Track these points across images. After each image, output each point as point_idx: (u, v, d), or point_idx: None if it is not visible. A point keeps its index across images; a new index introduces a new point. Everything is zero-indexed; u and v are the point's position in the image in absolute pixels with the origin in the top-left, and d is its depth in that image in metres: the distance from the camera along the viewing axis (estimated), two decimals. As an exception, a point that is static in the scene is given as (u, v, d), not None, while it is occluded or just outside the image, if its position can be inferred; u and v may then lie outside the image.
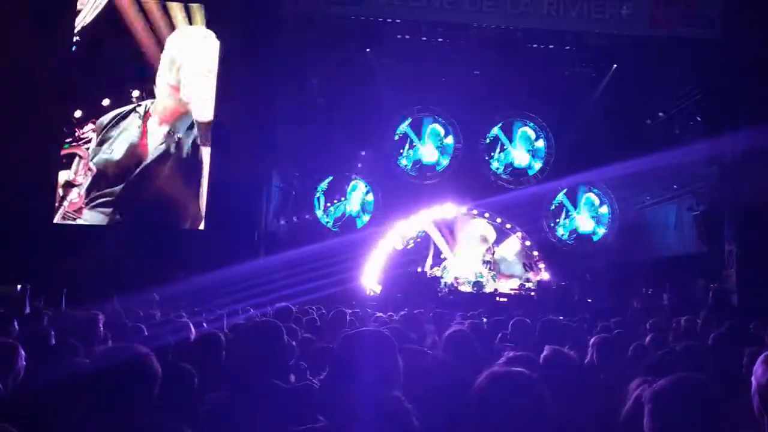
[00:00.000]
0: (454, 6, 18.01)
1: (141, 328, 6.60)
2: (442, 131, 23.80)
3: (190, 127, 19.09)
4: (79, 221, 18.71)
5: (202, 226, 18.89)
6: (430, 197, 22.70)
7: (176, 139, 19.00)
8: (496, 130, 23.90)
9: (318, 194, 23.23)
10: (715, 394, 2.58)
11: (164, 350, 5.56)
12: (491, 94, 22.31)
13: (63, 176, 18.86)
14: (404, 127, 23.76)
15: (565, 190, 23.58)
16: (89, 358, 4.30)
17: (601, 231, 23.58)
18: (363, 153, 23.21)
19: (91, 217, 18.78)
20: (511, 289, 21.58)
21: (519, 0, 17.88)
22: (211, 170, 18.91)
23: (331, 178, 23.34)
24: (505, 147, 23.94)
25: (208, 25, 19.20)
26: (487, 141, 23.92)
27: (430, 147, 23.82)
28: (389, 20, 18.91)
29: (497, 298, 20.23)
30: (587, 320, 10.75)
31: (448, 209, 22.69)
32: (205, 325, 7.71)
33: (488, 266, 22.42)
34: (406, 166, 23.76)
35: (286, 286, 14.45)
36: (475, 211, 22.95)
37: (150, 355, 2.79)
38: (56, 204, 18.69)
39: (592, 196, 23.73)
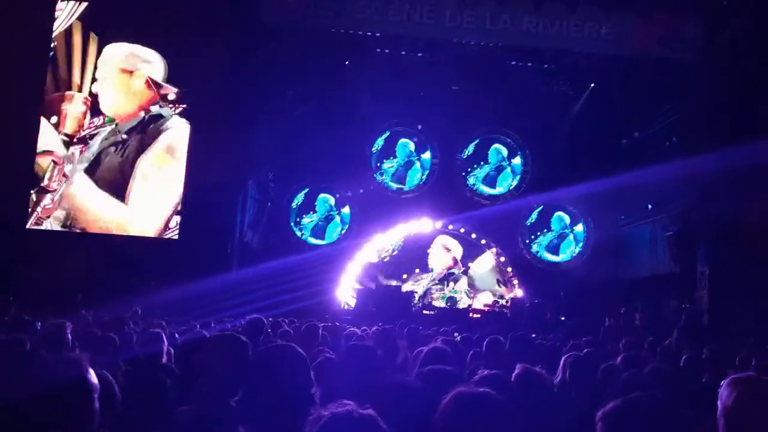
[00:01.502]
0: (434, 21, 18.00)
1: (113, 339, 6.53)
2: (412, 146, 23.84)
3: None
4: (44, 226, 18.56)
5: (176, 236, 18.75)
6: (407, 211, 22.71)
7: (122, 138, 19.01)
8: (472, 147, 23.96)
9: (294, 205, 23.16)
10: (668, 414, 2.60)
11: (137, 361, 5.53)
12: (469, 110, 22.28)
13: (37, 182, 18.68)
14: (381, 141, 23.77)
15: (540, 207, 23.62)
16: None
17: (576, 249, 23.62)
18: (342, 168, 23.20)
19: (52, 219, 18.65)
20: (485, 305, 21.60)
21: (499, 17, 17.91)
22: (186, 180, 18.80)
23: (307, 189, 23.28)
24: (482, 163, 23.97)
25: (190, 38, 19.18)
26: (464, 156, 23.97)
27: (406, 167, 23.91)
28: (369, 33, 18.88)
29: (471, 314, 20.26)
30: (560, 339, 10.76)
31: (424, 224, 22.72)
32: (177, 336, 7.65)
33: (454, 279, 22.54)
34: (383, 180, 23.75)
35: (260, 298, 14.35)
36: (450, 226, 22.98)
37: (85, 366, 2.68)
38: (29, 209, 18.48)
39: (566, 214, 23.79)
